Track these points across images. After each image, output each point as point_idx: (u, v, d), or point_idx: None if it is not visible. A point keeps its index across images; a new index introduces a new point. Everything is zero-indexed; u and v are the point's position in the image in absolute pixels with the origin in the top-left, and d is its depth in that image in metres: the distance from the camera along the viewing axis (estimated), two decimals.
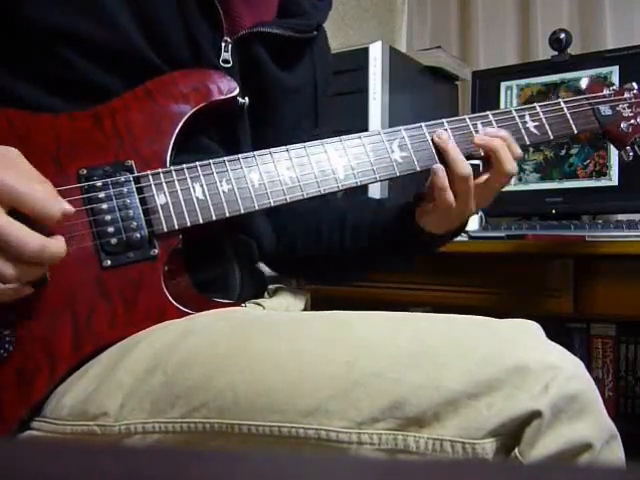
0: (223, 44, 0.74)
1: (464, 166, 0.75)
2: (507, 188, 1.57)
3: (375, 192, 1.41)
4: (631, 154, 0.94)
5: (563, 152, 1.52)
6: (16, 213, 0.54)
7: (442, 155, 0.76)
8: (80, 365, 0.61)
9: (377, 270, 1.04)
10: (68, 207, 0.57)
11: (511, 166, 0.77)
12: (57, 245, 0.56)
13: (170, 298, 0.65)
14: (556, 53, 1.54)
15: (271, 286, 0.86)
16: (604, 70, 1.48)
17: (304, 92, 0.86)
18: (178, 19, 0.71)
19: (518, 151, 0.78)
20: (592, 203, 1.49)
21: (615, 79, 1.46)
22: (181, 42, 0.71)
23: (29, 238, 0.53)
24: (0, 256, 0.53)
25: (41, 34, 0.66)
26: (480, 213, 1.52)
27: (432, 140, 0.77)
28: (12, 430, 0.59)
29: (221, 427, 0.54)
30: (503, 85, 1.62)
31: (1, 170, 0.54)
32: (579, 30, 1.83)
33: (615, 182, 1.46)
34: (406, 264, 1.06)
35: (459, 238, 1.38)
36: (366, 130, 1.40)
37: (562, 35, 1.53)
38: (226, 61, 0.74)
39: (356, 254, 0.87)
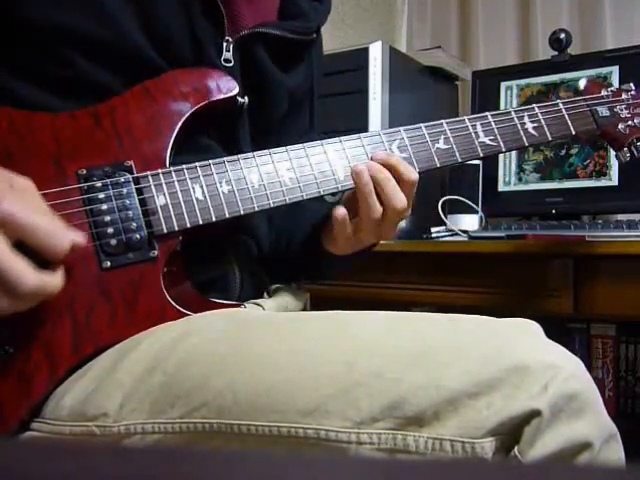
0: (225, 44, 0.74)
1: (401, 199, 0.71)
2: (507, 188, 1.58)
3: None
4: (628, 155, 0.94)
5: (563, 152, 1.52)
6: (23, 244, 0.54)
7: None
8: (80, 366, 0.61)
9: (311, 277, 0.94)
10: (78, 239, 0.57)
11: (400, 202, 0.71)
12: (54, 283, 0.55)
13: (170, 299, 0.65)
14: (556, 53, 1.54)
15: (271, 286, 0.86)
16: (604, 70, 1.48)
17: (302, 93, 0.86)
18: (181, 18, 0.71)
19: (412, 177, 0.72)
20: (592, 203, 1.49)
21: (615, 79, 1.46)
22: (183, 41, 0.71)
23: (28, 276, 0.53)
24: None
25: (42, 33, 0.66)
26: (480, 213, 1.52)
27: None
28: (12, 431, 0.59)
29: (220, 427, 0.54)
30: (503, 85, 1.62)
31: (10, 202, 0.53)
32: (579, 30, 1.82)
33: (615, 182, 1.46)
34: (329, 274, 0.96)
35: (459, 238, 1.39)
36: (366, 130, 1.41)
37: (562, 35, 1.53)
38: (227, 60, 0.74)
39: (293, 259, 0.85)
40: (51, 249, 0.55)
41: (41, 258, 0.55)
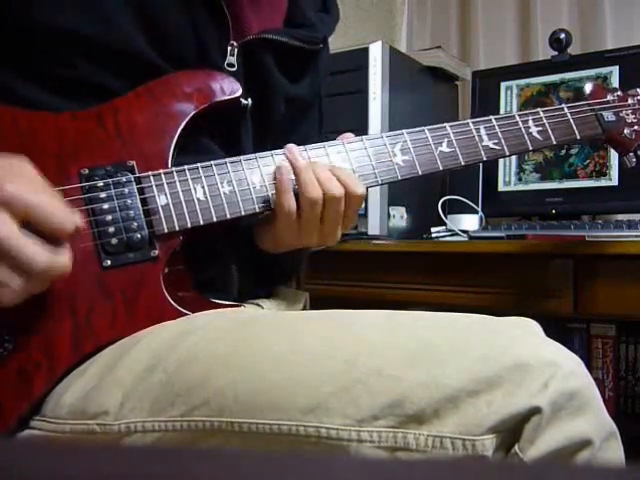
0: (229, 48, 0.74)
1: (313, 189, 0.69)
2: (507, 188, 1.59)
3: (375, 192, 1.41)
4: (634, 160, 0.93)
5: (563, 152, 1.53)
6: (27, 225, 0.54)
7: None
8: (79, 364, 0.61)
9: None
10: (80, 221, 0.58)
11: (315, 192, 0.69)
12: (64, 261, 0.56)
13: (169, 299, 0.65)
14: (556, 53, 1.54)
15: (270, 286, 0.86)
16: (604, 70, 1.48)
17: (308, 103, 0.86)
18: (186, 22, 0.71)
19: (358, 191, 0.71)
20: (592, 203, 1.49)
21: (615, 79, 1.46)
22: (188, 44, 0.71)
23: (40, 254, 0.54)
24: (10, 268, 0.53)
25: (44, 35, 0.66)
26: (480, 213, 1.52)
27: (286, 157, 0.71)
28: (11, 429, 0.59)
29: (221, 425, 0.54)
30: (503, 85, 1.62)
31: (15, 182, 0.54)
32: (579, 30, 1.83)
33: (615, 182, 1.46)
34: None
35: (459, 238, 1.39)
36: (366, 130, 1.41)
37: (562, 35, 1.53)
38: (231, 65, 0.74)
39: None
40: (58, 227, 0.55)
41: (46, 237, 0.55)
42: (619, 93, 0.92)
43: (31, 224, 0.54)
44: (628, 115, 0.91)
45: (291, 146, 0.72)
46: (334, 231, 0.73)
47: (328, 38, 0.87)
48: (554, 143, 0.84)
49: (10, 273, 0.53)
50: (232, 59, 0.74)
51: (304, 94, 0.84)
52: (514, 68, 1.70)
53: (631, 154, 0.93)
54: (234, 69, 0.74)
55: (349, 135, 0.76)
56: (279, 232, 0.73)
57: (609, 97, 0.91)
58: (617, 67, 1.46)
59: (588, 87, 0.92)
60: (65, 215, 0.56)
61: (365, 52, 1.46)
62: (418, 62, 1.64)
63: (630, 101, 0.92)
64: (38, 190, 0.56)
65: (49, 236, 0.56)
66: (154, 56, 0.69)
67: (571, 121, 0.85)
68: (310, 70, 0.84)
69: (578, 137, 0.85)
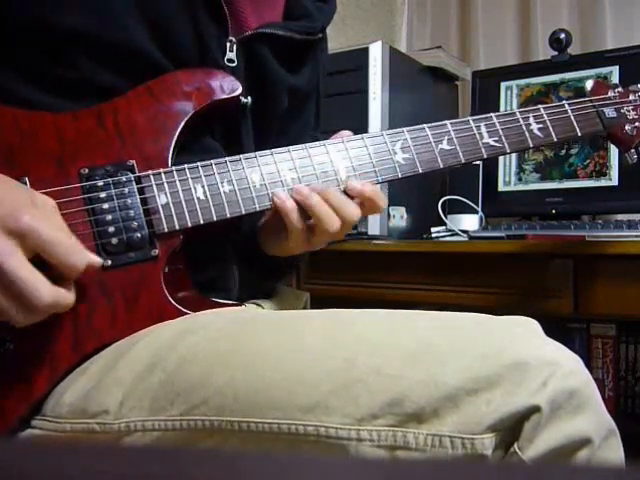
0: (228, 44, 0.74)
1: (333, 223, 0.70)
2: (507, 188, 1.59)
3: None
4: (635, 157, 0.93)
5: (563, 152, 1.53)
6: (37, 258, 0.54)
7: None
8: (80, 364, 0.61)
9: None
10: (93, 260, 0.58)
11: (333, 225, 0.70)
12: (68, 298, 0.56)
13: (170, 299, 0.65)
14: (556, 53, 1.55)
15: (270, 286, 0.86)
16: (604, 70, 1.48)
17: (308, 94, 0.86)
18: (185, 18, 0.71)
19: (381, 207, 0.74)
20: (592, 203, 1.49)
21: (615, 79, 1.46)
22: (188, 41, 0.71)
23: (44, 290, 0.53)
24: (12, 300, 0.53)
25: (45, 34, 0.66)
26: (480, 213, 1.52)
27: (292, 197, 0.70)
28: (12, 428, 0.59)
29: (221, 424, 0.54)
30: (503, 85, 1.62)
31: (32, 216, 0.54)
32: (579, 30, 1.83)
33: (615, 182, 1.46)
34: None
35: (459, 238, 1.39)
36: (366, 130, 1.41)
37: (562, 35, 1.53)
38: (231, 60, 0.74)
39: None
40: (69, 266, 0.55)
41: (55, 273, 0.55)
42: (620, 89, 0.92)
43: (42, 258, 0.54)
44: (629, 111, 0.91)
45: (299, 188, 0.70)
46: (344, 232, 0.75)
47: (326, 28, 0.87)
48: (555, 140, 0.83)
49: (11, 304, 0.53)
50: (232, 55, 0.74)
51: (303, 85, 0.84)
52: (514, 68, 1.70)
53: (632, 151, 0.92)
54: (234, 65, 0.74)
55: (347, 133, 0.76)
56: (291, 245, 0.73)
57: (610, 93, 0.90)
58: (617, 67, 1.47)
59: (589, 83, 0.92)
60: (78, 256, 0.56)
61: (365, 52, 1.46)
62: (418, 62, 1.64)
63: (631, 97, 0.92)
64: (55, 226, 0.56)
65: (57, 271, 0.55)
66: (157, 54, 0.69)
67: (572, 118, 0.85)
68: (309, 60, 0.84)
69: (579, 134, 0.85)
